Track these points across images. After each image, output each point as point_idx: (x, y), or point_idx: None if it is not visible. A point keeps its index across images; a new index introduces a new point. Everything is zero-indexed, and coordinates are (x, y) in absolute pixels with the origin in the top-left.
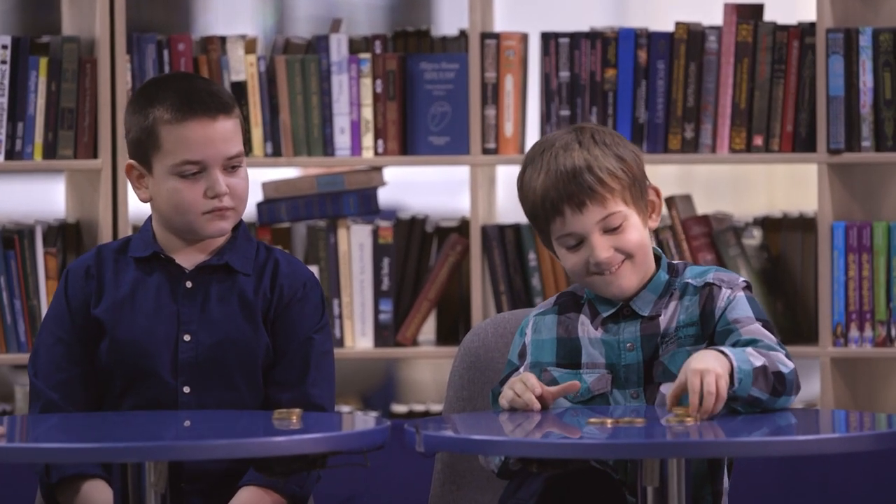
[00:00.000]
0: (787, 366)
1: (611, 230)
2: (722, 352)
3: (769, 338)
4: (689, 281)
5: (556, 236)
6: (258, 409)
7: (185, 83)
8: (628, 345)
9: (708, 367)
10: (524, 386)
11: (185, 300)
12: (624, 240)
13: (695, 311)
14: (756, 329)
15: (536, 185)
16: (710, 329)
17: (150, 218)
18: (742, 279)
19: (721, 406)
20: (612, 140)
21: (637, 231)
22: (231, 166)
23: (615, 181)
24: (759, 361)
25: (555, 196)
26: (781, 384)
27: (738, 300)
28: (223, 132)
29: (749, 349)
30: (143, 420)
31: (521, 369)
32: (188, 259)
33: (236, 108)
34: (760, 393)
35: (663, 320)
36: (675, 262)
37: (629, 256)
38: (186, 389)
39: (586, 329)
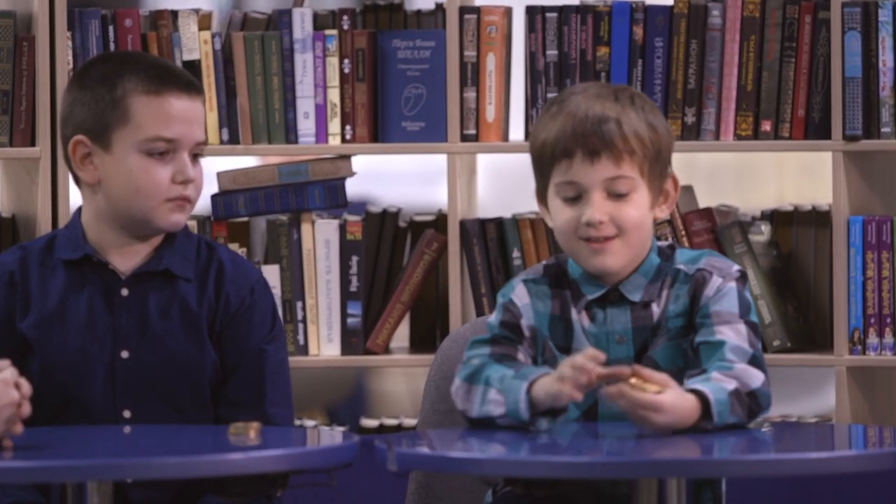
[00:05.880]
0: (756, 379)
1: (615, 195)
2: (695, 391)
3: (739, 345)
4: (681, 267)
5: (557, 181)
6: None
7: (151, 57)
8: (618, 337)
9: (668, 423)
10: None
11: (121, 311)
12: (624, 211)
13: (685, 300)
14: (728, 331)
15: (553, 125)
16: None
17: (78, 211)
18: (736, 267)
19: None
20: (651, 109)
21: (640, 209)
22: (195, 154)
23: (640, 146)
24: (731, 385)
25: (570, 138)
26: (756, 403)
27: (727, 292)
28: (198, 113)
29: (714, 374)
30: (84, 436)
31: (525, 329)
32: (123, 261)
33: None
34: (738, 419)
35: (656, 310)
36: (663, 244)
37: (622, 233)
38: (127, 414)
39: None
